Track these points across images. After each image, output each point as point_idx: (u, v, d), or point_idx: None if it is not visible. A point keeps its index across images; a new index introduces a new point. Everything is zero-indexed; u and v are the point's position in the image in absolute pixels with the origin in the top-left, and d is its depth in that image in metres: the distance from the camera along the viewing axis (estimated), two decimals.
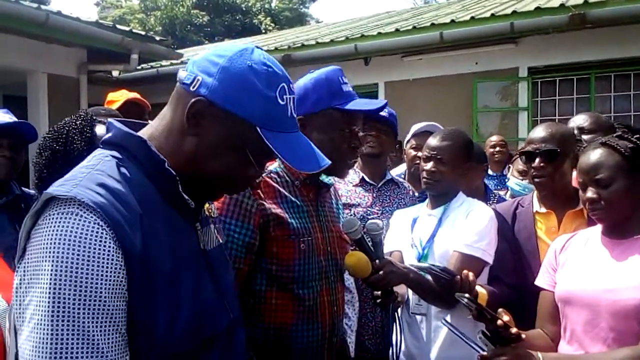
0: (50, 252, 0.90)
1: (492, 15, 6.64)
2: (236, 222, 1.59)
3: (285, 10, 27.79)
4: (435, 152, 2.21)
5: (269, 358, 1.62)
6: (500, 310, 1.66)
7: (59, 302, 0.88)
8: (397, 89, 7.53)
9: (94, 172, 1.01)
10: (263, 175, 1.21)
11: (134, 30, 8.09)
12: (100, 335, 0.90)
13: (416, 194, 2.99)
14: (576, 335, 1.72)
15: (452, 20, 6.86)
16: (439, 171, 2.19)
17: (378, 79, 7.63)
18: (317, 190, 1.78)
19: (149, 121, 1.20)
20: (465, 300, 1.64)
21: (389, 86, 7.63)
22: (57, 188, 0.96)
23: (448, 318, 2.05)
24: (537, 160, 2.08)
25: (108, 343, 0.91)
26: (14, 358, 0.97)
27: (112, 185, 0.99)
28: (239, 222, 1.60)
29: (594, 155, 1.72)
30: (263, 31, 22.72)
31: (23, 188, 2.52)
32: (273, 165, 1.72)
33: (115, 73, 8.64)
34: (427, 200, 2.35)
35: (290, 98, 1.12)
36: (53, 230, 0.91)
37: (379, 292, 1.85)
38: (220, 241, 1.28)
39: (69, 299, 0.89)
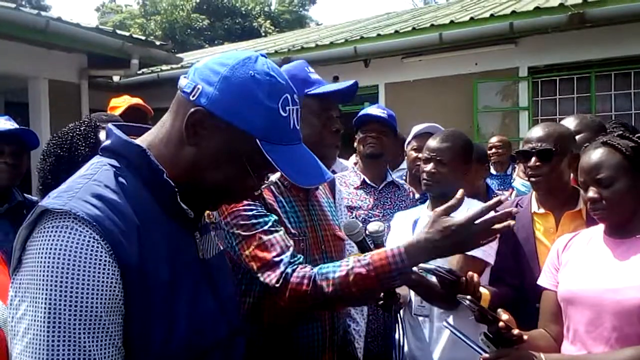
0: (45, 266, 0.89)
1: (492, 15, 6.65)
2: (258, 206, 1.61)
3: (285, 13, 27.83)
4: (434, 154, 2.22)
5: (271, 358, 1.62)
6: (499, 310, 1.66)
7: (54, 317, 0.88)
8: (397, 90, 7.53)
9: (91, 183, 0.99)
10: (263, 187, 1.20)
11: (134, 35, 8.11)
12: (96, 350, 0.90)
13: (417, 195, 2.99)
14: (579, 335, 1.71)
15: (452, 21, 6.87)
16: (439, 172, 2.20)
17: (378, 81, 7.63)
18: (307, 189, 1.79)
19: (151, 126, 1.18)
20: (467, 302, 1.64)
21: (389, 88, 7.63)
22: (52, 200, 0.95)
23: (450, 320, 2.04)
24: (533, 159, 2.09)
25: (104, 358, 0.91)
26: None
27: (108, 196, 0.97)
28: (260, 206, 1.62)
29: (595, 154, 1.72)
30: (263, 34, 22.74)
31: (25, 195, 2.53)
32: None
33: (115, 78, 8.65)
34: (428, 202, 2.36)
35: (293, 109, 1.09)
36: (48, 244, 0.90)
37: (381, 294, 1.85)
38: (221, 248, 1.26)
39: (64, 314, 0.88)
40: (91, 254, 0.91)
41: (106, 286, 0.91)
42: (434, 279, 1.97)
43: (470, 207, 2.17)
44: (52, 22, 6.39)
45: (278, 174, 1.72)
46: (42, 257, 0.90)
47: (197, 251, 1.14)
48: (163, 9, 25.35)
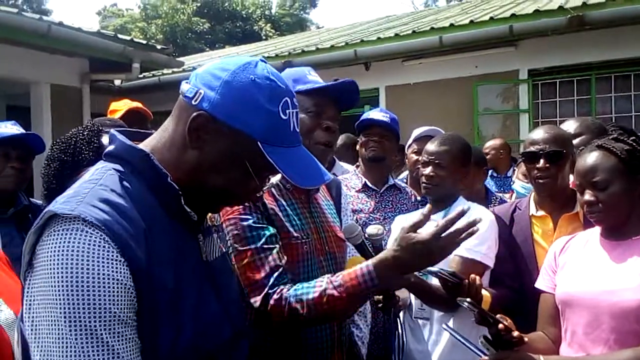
0: (58, 268, 0.91)
1: (491, 18, 6.66)
2: (257, 215, 1.60)
3: (286, 17, 27.87)
4: (433, 157, 2.24)
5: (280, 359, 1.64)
6: (498, 316, 1.68)
7: (74, 317, 0.89)
8: (397, 93, 7.54)
9: (97, 188, 1.01)
10: (264, 189, 1.22)
11: (135, 40, 8.13)
12: (119, 345, 0.92)
13: (418, 198, 3.01)
14: (577, 337, 1.73)
15: (452, 24, 6.88)
16: (438, 176, 2.22)
17: (379, 84, 7.64)
18: (307, 191, 1.81)
19: (153, 130, 1.20)
20: (467, 304, 1.66)
21: (390, 91, 7.64)
22: (61, 205, 0.97)
23: (450, 323, 2.06)
24: (542, 161, 2.09)
25: (127, 352, 0.93)
26: None
27: (115, 200, 0.99)
28: (259, 215, 1.61)
29: (591, 158, 1.73)
30: (264, 37, 22.79)
31: (31, 199, 2.55)
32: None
33: (117, 82, 8.67)
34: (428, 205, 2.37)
35: (293, 112, 1.11)
36: (60, 246, 0.92)
37: (380, 297, 1.87)
38: (224, 250, 1.28)
39: (83, 313, 0.90)
40: (102, 253, 0.93)
41: (120, 283, 0.93)
42: (436, 281, 1.99)
43: (470, 212, 2.19)
44: (54, 26, 6.42)
45: (278, 176, 1.73)
46: (54, 259, 0.92)
47: (201, 253, 1.15)
48: (164, 13, 25.39)
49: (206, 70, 1.11)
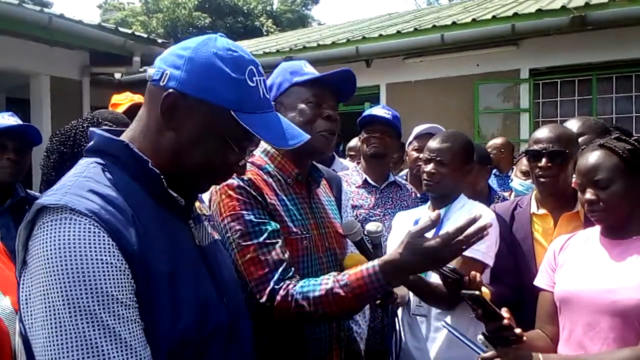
0: (51, 258, 0.91)
1: (494, 17, 6.65)
2: (258, 210, 1.60)
3: (287, 12, 27.84)
4: (435, 154, 2.23)
5: (278, 357, 1.63)
6: (503, 310, 1.67)
7: (72, 303, 0.90)
8: (398, 90, 7.54)
9: (82, 179, 1.02)
10: (247, 158, 1.22)
11: (136, 33, 8.13)
12: (120, 326, 0.92)
13: (418, 195, 3.00)
14: (575, 336, 1.73)
15: (454, 22, 6.87)
16: (439, 173, 2.21)
17: (379, 81, 7.64)
18: (308, 187, 1.80)
19: None
20: (476, 295, 1.65)
21: (391, 88, 7.64)
22: (47, 198, 0.98)
23: (447, 319, 2.06)
24: (544, 160, 2.09)
25: (130, 334, 0.93)
26: None
27: (101, 190, 1.00)
28: (261, 210, 1.60)
29: (592, 157, 1.73)
30: (265, 33, 22.74)
31: (28, 190, 2.54)
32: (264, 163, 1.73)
33: (117, 75, 8.65)
34: (429, 202, 2.37)
35: (260, 80, 1.14)
36: (50, 236, 0.93)
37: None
38: (216, 237, 1.29)
39: (81, 297, 0.90)
40: (94, 239, 0.93)
41: (114, 266, 0.94)
42: (435, 278, 1.98)
43: (471, 210, 2.19)
44: (55, 19, 6.41)
45: (265, 146, 1.71)
46: (46, 250, 0.92)
47: (194, 239, 1.17)
48: (165, 7, 25.35)
49: (169, 52, 1.13)
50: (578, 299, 1.73)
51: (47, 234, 0.93)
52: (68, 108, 7.26)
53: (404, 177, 3.43)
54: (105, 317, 0.91)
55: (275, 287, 1.52)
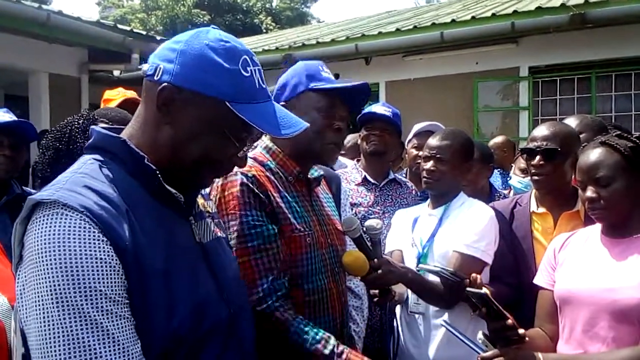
0: (41, 252, 0.91)
1: (493, 14, 6.64)
2: (257, 212, 1.58)
3: (286, 10, 27.78)
4: (434, 152, 2.23)
5: (282, 355, 1.62)
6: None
7: (60, 298, 0.89)
8: (398, 88, 7.53)
9: (77, 175, 1.02)
10: (245, 149, 1.21)
11: (135, 30, 8.11)
12: (109, 322, 0.92)
13: (418, 192, 3.00)
14: (575, 335, 1.72)
15: (453, 20, 6.86)
16: (439, 170, 2.21)
17: (379, 79, 7.63)
18: (309, 184, 1.79)
19: None
20: (481, 294, 1.64)
21: (390, 86, 7.63)
22: (40, 193, 0.99)
23: (445, 317, 2.06)
24: (537, 158, 2.09)
25: (118, 329, 0.93)
26: (22, 359, 0.98)
27: (95, 186, 1.00)
28: (260, 212, 1.59)
29: (594, 154, 1.72)
30: (264, 31, 22.71)
31: (24, 187, 2.52)
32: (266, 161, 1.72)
33: (116, 72, 8.63)
34: (429, 200, 2.36)
35: (255, 70, 1.13)
36: (41, 231, 0.93)
37: (377, 291, 1.86)
38: (219, 234, 1.28)
39: (69, 293, 0.90)
40: (84, 234, 0.93)
41: (104, 262, 0.93)
42: (438, 279, 1.98)
43: (471, 207, 2.19)
44: (53, 15, 6.38)
45: (267, 142, 1.72)
46: (37, 244, 0.92)
47: (194, 236, 1.16)
48: (164, 4, 25.29)
49: (162, 47, 1.13)
50: (578, 298, 1.72)
51: (38, 229, 0.93)
52: (67, 105, 7.24)
53: (404, 175, 3.42)
54: (93, 312, 0.90)
55: (272, 300, 1.53)
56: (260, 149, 1.76)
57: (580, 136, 2.23)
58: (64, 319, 0.89)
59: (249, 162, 1.65)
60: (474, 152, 2.34)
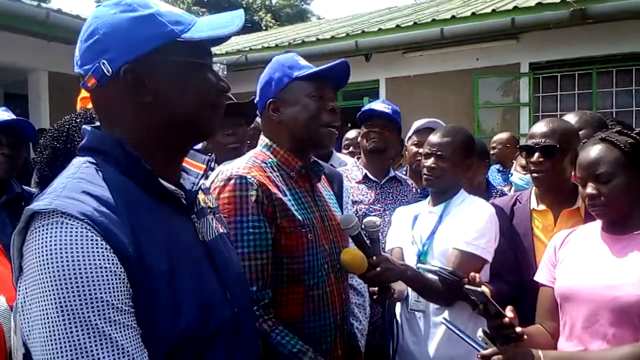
0: (43, 263, 0.89)
1: (493, 10, 6.63)
2: (253, 217, 1.58)
3: (286, 7, 27.76)
4: (435, 149, 2.22)
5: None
6: (508, 307, 1.66)
7: (66, 310, 0.88)
8: (398, 85, 7.52)
9: (73, 181, 1.00)
10: (221, 74, 1.21)
11: None
12: (116, 332, 0.90)
13: (418, 190, 2.99)
14: (576, 332, 1.71)
15: (453, 16, 6.85)
16: (439, 167, 2.20)
17: (379, 75, 7.63)
18: (311, 180, 1.79)
19: None
20: (479, 291, 1.64)
21: (390, 82, 7.62)
22: (38, 203, 0.95)
23: (445, 314, 2.05)
24: (536, 155, 2.08)
25: (127, 339, 0.92)
26: (23, 359, 0.97)
27: (94, 191, 0.98)
28: (256, 216, 1.59)
29: (594, 151, 1.71)
30: (264, 28, 22.68)
31: (24, 186, 2.52)
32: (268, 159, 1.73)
33: None
34: (429, 198, 2.36)
35: (163, 2, 1.12)
36: (42, 242, 0.90)
37: (376, 288, 1.86)
38: (221, 231, 1.27)
39: (75, 304, 0.88)
40: (87, 243, 0.91)
41: (109, 270, 0.92)
42: (437, 278, 1.98)
43: (471, 204, 2.18)
44: (53, 13, 6.38)
45: (267, 140, 1.74)
46: (38, 256, 0.90)
47: (197, 234, 1.15)
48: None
49: (80, 53, 1.10)
50: (578, 295, 1.71)
51: (38, 240, 0.91)
52: (66, 103, 7.18)
53: (404, 172, 3.42)
54: (100, 323, 0.89)
55: (259, 311, 1.54)
56: (260, 147, 1.76)
57: (580, 133, 2.22)
58: (71, 331, 0.87)
59: (249, 163, 1.65)
60: (474, 149, 2.33)
